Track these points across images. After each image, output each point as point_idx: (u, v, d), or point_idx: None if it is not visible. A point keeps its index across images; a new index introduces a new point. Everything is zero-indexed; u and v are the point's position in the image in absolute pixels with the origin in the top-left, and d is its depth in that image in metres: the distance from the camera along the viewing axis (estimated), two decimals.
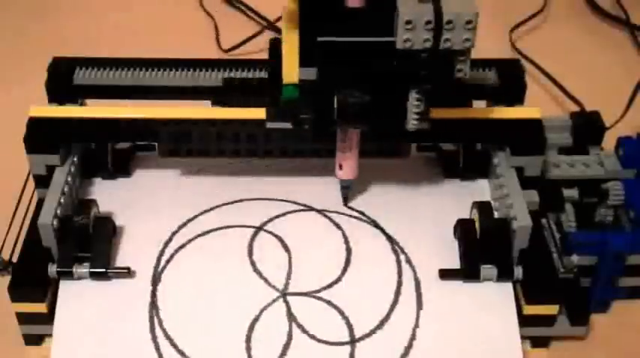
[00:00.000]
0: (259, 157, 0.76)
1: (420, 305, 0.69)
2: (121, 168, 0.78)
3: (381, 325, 0.68)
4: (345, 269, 0.71)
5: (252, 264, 0.71)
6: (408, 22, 0.61)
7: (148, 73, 0.76)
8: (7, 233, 0.76)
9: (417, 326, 0.67)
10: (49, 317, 0.68)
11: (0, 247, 0.75)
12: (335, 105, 0.64)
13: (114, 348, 0.66)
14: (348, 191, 0.75)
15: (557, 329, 0.71)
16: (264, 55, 0.70)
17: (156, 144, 0.76)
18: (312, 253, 0.72)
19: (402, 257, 0.72)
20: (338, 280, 0.70)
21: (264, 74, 0.75)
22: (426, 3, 0.61)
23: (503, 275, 0.69)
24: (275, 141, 0.74)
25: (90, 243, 0.69)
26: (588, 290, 0.73)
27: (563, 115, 0.82)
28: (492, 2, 1.14)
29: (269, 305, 0.69)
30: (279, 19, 1.04)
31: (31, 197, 0.77)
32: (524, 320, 0.69)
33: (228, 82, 0.75)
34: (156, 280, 0.70)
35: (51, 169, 0.73)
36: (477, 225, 0.71)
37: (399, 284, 0.70)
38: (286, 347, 0.67)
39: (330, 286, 0.70)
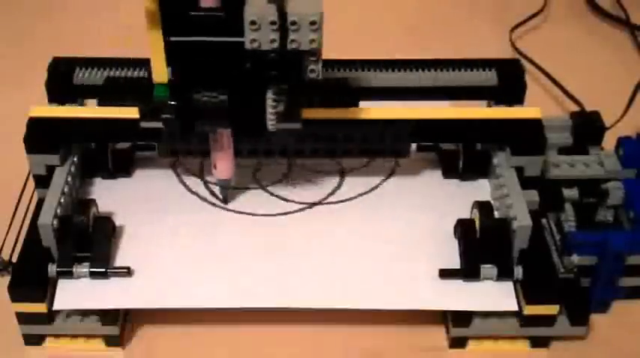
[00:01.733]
0: (264, 157, 0.76)
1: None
2: (121, 168, 0.78)
3: (367, 164, 0.78)
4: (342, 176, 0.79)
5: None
6: (253, 23, 0.61)
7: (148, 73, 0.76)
8: (7, 233, 0.76)
9: (397, 165, 0.78)
10: (48, 317, 0.68)
11: (0, 247, 0.75)
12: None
13: None
14: (227, 191, 0.76)
15: (557, 329, 0.71)
16: None
17: (156, 144, 0.76)
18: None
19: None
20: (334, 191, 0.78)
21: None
22: (272, 3, 0.61)
23: (503, 274, 0.69)
24: (275, 142, 0.74)
25: (90, 242, 0.69)
26: (588, 290, 0.73)
27: (563, 115, 0.82)
28: (492, 2, 1.14)
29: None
30: None
31: (31, 197, 0.77)
32: (524, 320, 0.69)
33: (110, 81, 0.75)
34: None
35: (51, 169, 0.73)
36: (477, 224, 0.71)
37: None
38: (287, 173, 0.78)
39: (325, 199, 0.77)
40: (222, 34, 0.62)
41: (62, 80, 0.76)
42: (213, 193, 0.76)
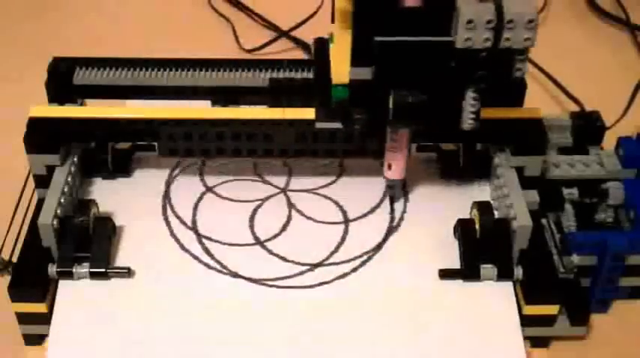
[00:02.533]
0: (265, 157, 0.76)
1: (407, 199, 0.76)
2: (121, 168, 0.78)
3: (372, 210, 0.76)
4: (340, 175, 0.79)
5: (255, 168, 0.78)
6: (470, 22, 0.60)
7: (148, 73, 0.76)
8: (7, 233, 0.76)
9: (405, 211, 0.76)
10: (48, 317, 0.68)
11: (0, 247, 0.75)
12: (390, 105, 0.64)
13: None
14: (395, 191, 0.76)
15: (557, 329, 0.71)
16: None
17: (156, 144, 0.76)
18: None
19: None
20: (334, 181, 0.78)
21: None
22: (486, 2, 0.61)
23: (503, 275, 0.69)
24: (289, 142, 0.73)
25: (90, 243, 0.69)
26: (588, 290, 0.73)
27: (563, 115, 0.82)
28: None
29: (271, 197, 0.76)
30: (292, 29, 1.04)
31: (31, 197, 0.77)
32: (524, 320, 0.69)
33: (274, 83, 0.75)
34: (169, 182, 0.77)
35: (51, 169, 0.73)
36: (476, 224, 0.71)
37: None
38: (286, 225, 0.74)
39: (327, 185, 0.78)
40: (428, 34, 0.62)
41: (62, 80, 0.76)
42: (208, 253, 0.73)
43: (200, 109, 0.74)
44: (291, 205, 0.76)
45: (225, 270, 0.71)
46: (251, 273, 0.71)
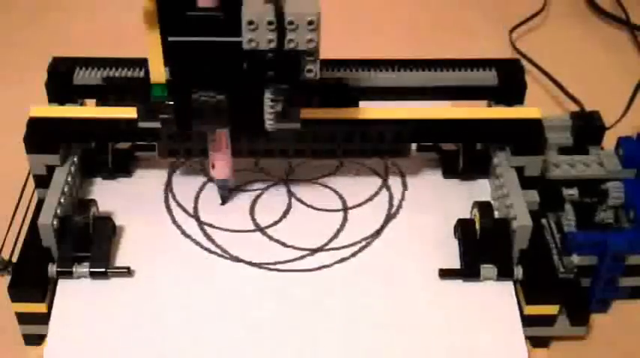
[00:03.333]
0: (260, 157, 0.76)
1: (405, 187, 0.77)
2: (121, 168, 0.78)
3: (371, 198, 0.76)
4: (338, 168, 0.79)
5: (257, 164, 0.79)
6: (251, 23, 0.61)
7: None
8: (7, 233, 0.76)
9: (403, 199, 0.76)
10: (48, 317, 0.68)
11: (0, 247, 0.75)
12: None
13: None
14: (227, 191, 0.76)
15: (557, 329, 0.71)
16: None
17: (156, 144, 0.76)
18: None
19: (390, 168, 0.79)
20: (334, 172, 0.79)
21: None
22: (269, 3, 0.61)
23: (503, 274, 0.69)
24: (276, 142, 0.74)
25: (90, 242, 0.69)
26: (588, 290, 0.73)
27: (563, 115, 0.82)
28: (492, 2, 1.14)
29: (271, 186, 0.77)
30: None
31: (31, 197, 0.77)
32: (524, 320, 0.69)
33: (109, 81, 0.75)
34: (171, 173, 0.78)
35: (51, 169, 0.73)
36: (477, 224, 0.71)
37: (387, 174, 0.79)
38: (286, 212, 0.75)
39: (326, 176, 0.78)
40: (220, 34, 0.62)
41: (62, 80, 0.76)
42: (210, 238, 0.73)
43: None
44: (291, 194, 0.76)
45: (226, 255, 0.72)
46: (252, 258, 0.72)
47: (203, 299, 0.69)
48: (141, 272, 0.70)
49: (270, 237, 0.74)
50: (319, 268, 0.71)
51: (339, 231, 0.74)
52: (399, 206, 0.76)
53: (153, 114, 0.67)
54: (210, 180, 0.78)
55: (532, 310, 0.69)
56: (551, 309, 0.69)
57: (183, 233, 0.73)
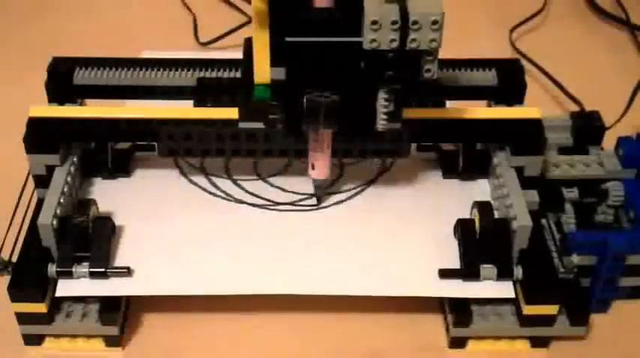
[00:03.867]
0: (259, 158, 0.76)
1: None
2: (121, 168, 0.78)
3: (365, 159, 0.78)
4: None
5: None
6: (374, 23, 0.61)
7: (147, 73, 0.76)
8: (7, 233, 0.76)
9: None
10: (48, 317, 0.68)
11: (0, 247, 0.75)
12: (304, 106, 0.65)
13: None
14: (322, 191, 0.76)
15: (557, 329, 0.71)
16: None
17: (155, 144, 0.76)
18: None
19: None
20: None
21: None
22: (392, 3, 0.61)
23: (503, 274, 0.69)
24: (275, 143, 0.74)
25: (89, 242, 0.69)
26: (588, 290, 0.73)
27: (563, 115, 0.82)
28: (492, 2, 1.14)
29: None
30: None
31: (31, 197, 0.77)
32: (524, 320, 0.69)
33: (201, 82, 0.76)
34: None
35: (51, 169, 0.73)
36: (476, 224, 0.71)
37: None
38: (287, 166, 0.79)
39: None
40: (337, 34, 0.62)
41: (62, 80, 0.76)
42: (215, 185, 0.77)
43: (200, 109, 0.74)
44: (292, 155, 0.77)
45: (230, 198, 0.76)
46: (254, 200, 0.76)
47: (206, 234, 0.72)
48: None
49: (272, 184, 0.77)
50: (317, 208, 0.75)
51: (335, 179, 0.77)
52: (392, 163, 0.79)
53: (254, 114, 0.68)
54: (208, 174, 0.79)
55: (532, 310, 0.69)
56: (551, 309, 0.69)
57: (190, 181, 0.77)
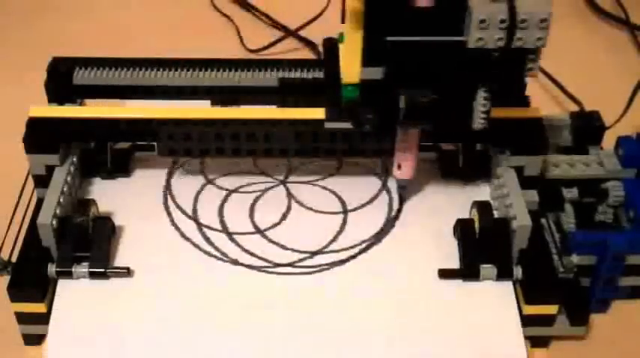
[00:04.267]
0: (263, 157, 0.76)
1: (404, 197, 0.76)
2: (121, 168, 0.78)
3: (370, 201, 0.76)
4: (339, 168, 0.79)
5: (256, 166, 0.78)
6: (482, 21, 0.60)
7: (147, 73, 0.76)
8: (7, 233, 0.76)
9: (402, 203, 0.76)
10: (48, 317, 0.68)
11: (0, 247, 0.75)
12: (401, 105, 0.64)
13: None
14: (405, 191, 0.76)
15: (557, 329, 0.71)
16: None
17: (155, 144, 0.76)
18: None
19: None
20: (334, 173, 0.79)
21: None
22: (499, 2, 0.61)
23: (503, 274, 0.69)
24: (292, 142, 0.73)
25: (89, 242, 0.69)
26: (588, 290, 0.73)
27: (563, 115, 0.82)
28: None
29: (270, 188, 0.77)
30: (299, 28, 1.04)
31: (31, 197, 0.77)
32: (524, 320, 0.69)
33: (283, 82, 0.75)
34: (170, 173, 0.77)
35: (50, 169, 0.73)
36: (476, 224, 0.71)
37: (387, 178, 0.78)
38: (285, 214, 0.75)
39: (326, 177, 0.78)
40: (440, 33, 0.62)
41: (62, 80, 0.76)
42: (209, 241, 0.73)
43: (200, 109, 0.74)
44: (290, 196, 0.76)
45: (225, 258, 0.72)
46: (251, 261, 0.72)
47: (202, 302, 0.69)
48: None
49: (270, 240, 0.73)
50: (319, 270, 0.71)
51: (338, 233, 0.74)
52: (399, 209, 0.76)
53: (342, 114, 0.67)
54: (210, 181, 0.78)
55: (531, 310, 0.69)
56: (551, 309, 0.69)
57: (182, 235, 0.73)
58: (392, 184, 0.78)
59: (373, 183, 0.78)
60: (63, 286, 0.69)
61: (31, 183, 0.75)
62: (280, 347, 0.67)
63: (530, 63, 0.63)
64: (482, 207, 0.71)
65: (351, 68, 0.65)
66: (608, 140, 0.80)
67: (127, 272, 0.69)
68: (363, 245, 0.73)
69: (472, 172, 0.78)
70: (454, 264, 0.71)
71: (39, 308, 0.68)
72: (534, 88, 0.95)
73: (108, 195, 0.75)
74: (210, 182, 0.78)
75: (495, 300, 0.69)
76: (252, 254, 0.72)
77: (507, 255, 0.70)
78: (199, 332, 0.67)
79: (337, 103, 0.67)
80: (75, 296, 0.68)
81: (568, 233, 0.73)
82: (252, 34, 1.06)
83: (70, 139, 0.74)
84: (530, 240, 0.69)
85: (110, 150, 0.77)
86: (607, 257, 0.71)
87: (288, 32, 1.05)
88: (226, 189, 0.77)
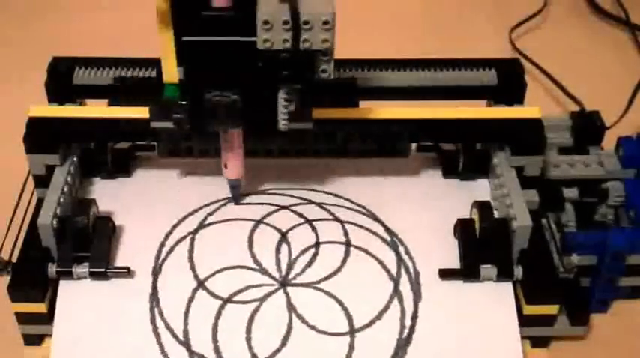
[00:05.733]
0: (258, 156, 0.76)
1: (418, 296, 0.69)
2: (121, 168, 0.78)
3: (380, 316, 0.68)
4: (344, 261, 0.71)
5: (253, 256, 0.71)
6: (266, 22, 0.60)
7: (148, 73, 0.76)
8: (7, 233, 0.76)
9: (415, 316, 0.68)
10: (48, 317, 0.68)
11: (0, 247, 0.75)
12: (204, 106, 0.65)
13: (115, 346, 0.66)
14: (238, 191, 0.75)
15: (557, 329, 0.71)
16: None
17: (155, 144, 0.76)
18: (312, 245, 0.72)
19: (402, 249, 0.72)
20: (338, 271, 0.70)
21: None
22: (284, 3, 0.61)
23: (503, 274, 0.69)
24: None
25: (89, 242, 0.69)
26: (588, 290, 0.73)
27: (563, 115, 0.82)
28: (492, 2, 1.14)
29: (269, 295, 0.69)
30: None
31: (31, 197, 0.77)
32: (524, 320, 0.69)
33: (121, 81, 0.75)
34: (156, 272, 0.70)
35: (51, 169, 0.73)
36: (476, 224, 0.71)
37: (399, 275, 0.70)
38: (286, 337, 0.67)
39: (329, 277, 0.70)
40: (235, 34, 0.62)
41: (62, 80, 0.76)
42: None
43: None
44: (291, 308, 0.68)
45: None
46: None
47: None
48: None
49: None
50: None
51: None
52: (413, 325, 0.68)
53: (165, 114, 0.67)
54: (201, 284, 0.69)
55: (532, 310, 0.69)
56: (551, 309, 0.69)
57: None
58: (403, 285, 0.70)
59: (382, 285, 0.70)
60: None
61: (31, 183, 0.75)
62: None
63: (323, 64, 0.63)
64: (483, 207, 0.71)
65: (168, 68, 0.65)
66: (609, 140, 0.80)
67: (127, 272, 0.69)
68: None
69: (472, 172, 0.78)
70: (454, 264, 0.71)
71: (39, 308, 0.68)
72: (534, 88, 0.95)
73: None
74: (201, 285, 0.69)
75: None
76: None
77: (507, 255, 0.70)
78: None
79: (160, 102, 0.67)
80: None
81: (568, 233, 0.73)
82: None
83: (70, 139, 0.74)
84: (530, 240, 0.69)
85: (110, 150, 0.77)
86: (607, 257, 0.71)
87: None
88: (219, 298, 0.69)
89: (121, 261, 0.71)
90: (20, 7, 1.12)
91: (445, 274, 0.70)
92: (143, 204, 0.75)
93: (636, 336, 0.73)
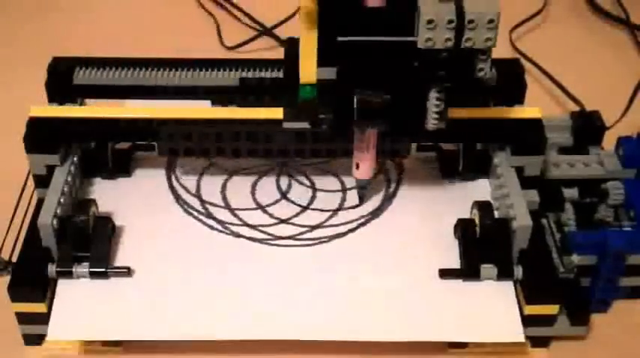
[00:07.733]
0: (261, 157, 0.76)
1: (401, 168, 0.79)
2: (121, 168, 0.78)
3: (369, 181, 0.75)
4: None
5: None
6: (430, 22, 0.60)
7: (147, 73, 0.76)
8: (7, 233, 0.76)
9: (402, 172, 0.78)
10: (48, 317, 0.68)
11: (0, 247, 0.75)
12: (355, 105, 0.64)
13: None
14: (365, 191, 0.76)
15: (557, 329, 0.71)
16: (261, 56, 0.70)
17: (156, 144, 0.76)
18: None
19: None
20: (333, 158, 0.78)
21: (269, 74, 0.76)
22: (447, 2, 0.61)
23: (503, 274, 0.69)
24: (284, 143, 0.73)
25: (89, 242, 0.69)
26: (588, 290, 0.73)
27: (563, 115, 0.82)
28: None
29: (271, 169, 0.79)
30: (274, 26, 1.04)
31: (31, 197, 0.77)
32: (524, 320, 0.69)
33: (244, 82, 0.75)
34: None
35: (51, 169, 0.73)
36: (477, 224, 0.71)
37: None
38: (286, 192, 0.77)
39: (326, 161, 0.79)
40: (390, 34, 0.62)
41: (62, 80, 0.76)
42: (212, 217, 0.75)
43: (200, 109, 0.74)
44: (291, 176, 0.78)
45: (227, 231, 0.73)
46: (252, 234, 0.73)
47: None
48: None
49: (271, 215, 0.75)
50: (318, 243, 0.72)
51: (337, 209, 0.76)
52: (397, 188, 0.78)
53: (300, 114, 0.68)
54: (213, 164, 0.79)
55: (532, 310, 0.69)
56: (551, 309, 0.69)
57: (186, 211, 0.75)
58: (389, 165, 0.80)
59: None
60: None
61: (31, 183, 0.75)
62: (280, 315, 0.68)
63: (481, 63, 0.63)
64: (483, 207, 0.71)
65: (308, 68, 0.65)
66: (609, 140, 0.80)
67: (127, 272, 0.69)
68: (362, 220, 0.75)
69: (472, 172, 0.78)
70: (454, 264, 0.71)
71: (39, 308, 0.68)
72: (535, 88, 0.95)
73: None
74: (213, 164, 0.79)
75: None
76: (253, 227, 0.74)
77: (508, 255, 0.70)
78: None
79: (294, 103, 0.67)
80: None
81: (568, 233, 0.73)
82: (231, 32, 1.06)
83: (71, 139, 0.74)
84: (530, 240, 0.69)
85: (110, 150, 0.77)
86: (607, 257, 0.71)
87: (264, 30, 1.05)
88: (229, 170, 0.79)
89: (120, 260, 0.71)
90: (20, 7, 1.12)
91: (445, 274, 0.70)
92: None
93: (636, 336, 0.73)
